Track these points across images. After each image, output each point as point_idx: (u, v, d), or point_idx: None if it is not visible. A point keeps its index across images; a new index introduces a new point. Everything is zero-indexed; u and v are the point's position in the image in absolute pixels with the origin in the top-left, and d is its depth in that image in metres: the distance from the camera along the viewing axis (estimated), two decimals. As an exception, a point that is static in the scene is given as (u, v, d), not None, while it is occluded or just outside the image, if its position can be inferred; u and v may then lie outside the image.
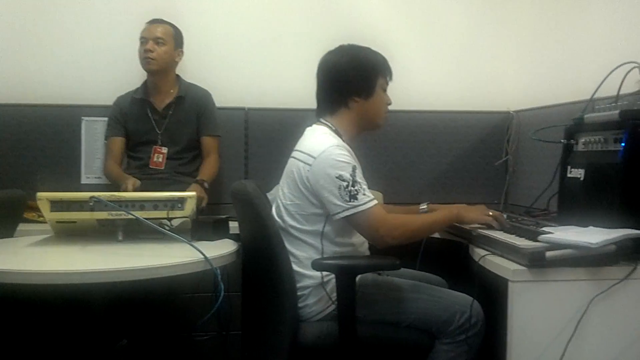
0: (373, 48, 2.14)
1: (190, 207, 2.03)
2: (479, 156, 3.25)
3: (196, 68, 3.13)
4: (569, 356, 1.68)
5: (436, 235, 2.36)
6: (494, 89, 3.38)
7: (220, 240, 2.09)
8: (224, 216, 2.26)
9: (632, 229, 1.74)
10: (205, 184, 2.81)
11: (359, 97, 2.09)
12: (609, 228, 1.77)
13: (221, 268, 1.85)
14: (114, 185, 2.79)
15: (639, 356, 1.72)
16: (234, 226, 2.23)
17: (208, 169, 2.93)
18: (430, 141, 3.22)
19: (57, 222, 2.05)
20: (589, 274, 1.71)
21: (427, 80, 3.35)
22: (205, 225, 2.10)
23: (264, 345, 2.01)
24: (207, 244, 1.98)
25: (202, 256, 1.78)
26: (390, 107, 2.17)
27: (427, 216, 2.17)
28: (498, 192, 3.21)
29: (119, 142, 2.97)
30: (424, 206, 2.39)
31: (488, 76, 3.40)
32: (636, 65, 2.00)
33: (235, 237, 2.16)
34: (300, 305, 1.98)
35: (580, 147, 2.07)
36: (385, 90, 2.14)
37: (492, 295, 1.91)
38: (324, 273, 1.96)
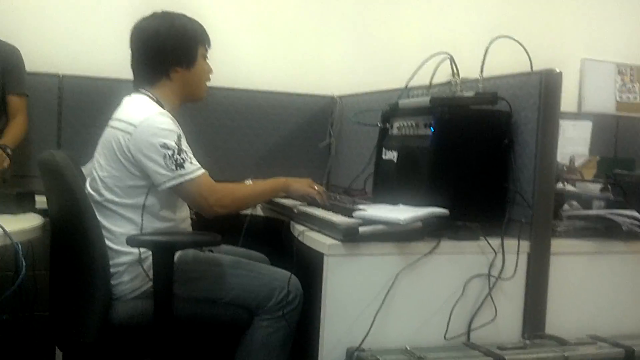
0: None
1: (-11, 177, 1.85)
2: (305, 137, 3.31)
3: (4, 26, 2.83)
4: (377, 326, 1.77)
5: (259, 212, 2.37)
6: (319, 73, 3.46)
7: (24, 214, 1.93)
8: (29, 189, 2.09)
9: (437, 207, 1.86)
10: (8, 150, 2.53)
11: (180, 67, 2.03)
12: (417, 206, 1.89)
13: (25, 244, 1.73)
14: None
15: (440, 324, 1.86)
16: (41, 200, 2.06)
17: (14, 131, 2.66)
18: (256, 120, 3.21)
19: None
20: (397, 248, 1.81)
21: (254, 60, 3.35)
22: (6, 197, 1.94)
23: (73, 325, 1.89)
24: (9, 217, 1.82)
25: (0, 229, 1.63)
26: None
27: (256, 185, 2.15)
28: (321, 173, 3.29)
29: None
30: (248, 181, 2.39)
31: (314, 61, 3.48)
32: (447, 56, 2.11)
33: (42, 212, 2.00)
34: (114, 282, 1.89)
35: (394, 131, 2.18)
36: (206, 59, 2.10)
37: (310, 271, 1.96)
38: (142, 249, 1.89)
